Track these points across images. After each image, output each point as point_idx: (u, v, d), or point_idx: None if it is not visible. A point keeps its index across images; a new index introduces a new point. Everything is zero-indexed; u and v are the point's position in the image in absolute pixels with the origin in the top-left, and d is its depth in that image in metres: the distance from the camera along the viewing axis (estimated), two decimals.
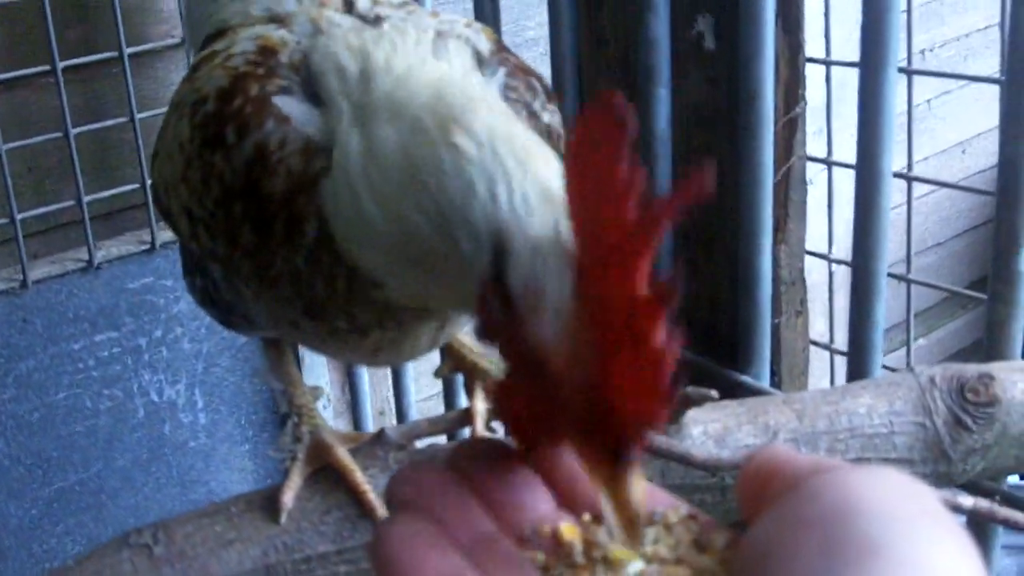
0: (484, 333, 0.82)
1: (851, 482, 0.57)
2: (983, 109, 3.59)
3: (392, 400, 2.46)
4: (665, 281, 0.65)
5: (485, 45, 1.13)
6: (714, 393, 1.28)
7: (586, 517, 0.71)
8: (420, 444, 1.30)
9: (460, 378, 1.45)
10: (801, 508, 0.56)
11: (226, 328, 1.30)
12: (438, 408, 2.51)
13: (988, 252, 1.52)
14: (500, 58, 1.13)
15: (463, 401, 1.97)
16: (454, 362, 1.39)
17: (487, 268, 0.83)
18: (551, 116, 1.15)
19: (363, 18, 1.15)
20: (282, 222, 1.03)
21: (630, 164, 0.66)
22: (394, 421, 2.44)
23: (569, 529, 0.69)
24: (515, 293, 0.77)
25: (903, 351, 2.04)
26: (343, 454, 1.26)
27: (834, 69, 1.84)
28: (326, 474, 1.27)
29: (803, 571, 0.53)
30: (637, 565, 0.67)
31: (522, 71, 1.14)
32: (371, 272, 0.99)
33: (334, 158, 0.99)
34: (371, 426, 2.43)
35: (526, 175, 0.86)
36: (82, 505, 2.10)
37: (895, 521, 0.54)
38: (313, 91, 1.05)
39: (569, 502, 0.72)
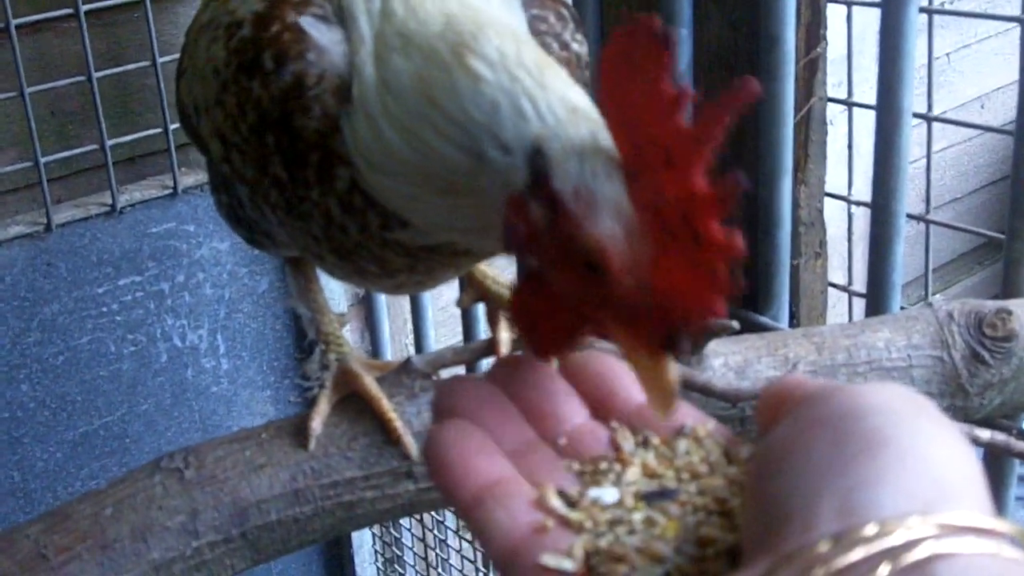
0: (515, 242, 0.84)
1: (857, 389, 0.61)
2: (1002, 63, 3.58)
3: (412, 348, 2.48)
4: (725, 181, 0.70)
5: None
6: (735, 324, 1.30)
7: (615, 425, 0.75)
8: (445, 373, 1.32)
9: (481, 314, 1.47)
10: (813, 411, 0.61)
11: (251, 245, 1.31)
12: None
13: (1006, 206, 1.53)
14: None
15: (482, 332, 1.99)
16: (476, 292, 1.40)
17: (523, 176, 0.84)
18: (580, 46, 1.16)
19: None
20: (315, 162, 1.04)
21: (676, 80, 0.71)
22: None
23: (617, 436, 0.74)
24: (563, 197, 0.79)
25: (921, 305, 2.04)
26: (370, 382, 1.28)
27: (856, 16, 1.84)
28: (353, 401, 1.29)
29: (817, 463, 0.57)
30: (671, 477, 0.71)
31: (551, 0, 1.15)
32: (396, 205, 1.00)
33: (353, 91, 1.00)
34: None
35: (546, 90, 0.87)
36: (106, 449, 2.12)
37: (899, 418, 0.58)
38: (341, 17, 1.06)
39: (601, 411, 0.76)
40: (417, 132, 0.93)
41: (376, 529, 2.61)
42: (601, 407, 0.76)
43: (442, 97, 0.91)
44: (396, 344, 2.50)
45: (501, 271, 1.39)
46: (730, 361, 1.35)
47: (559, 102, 0.86)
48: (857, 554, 0.52)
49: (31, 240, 1.99)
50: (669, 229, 0.72)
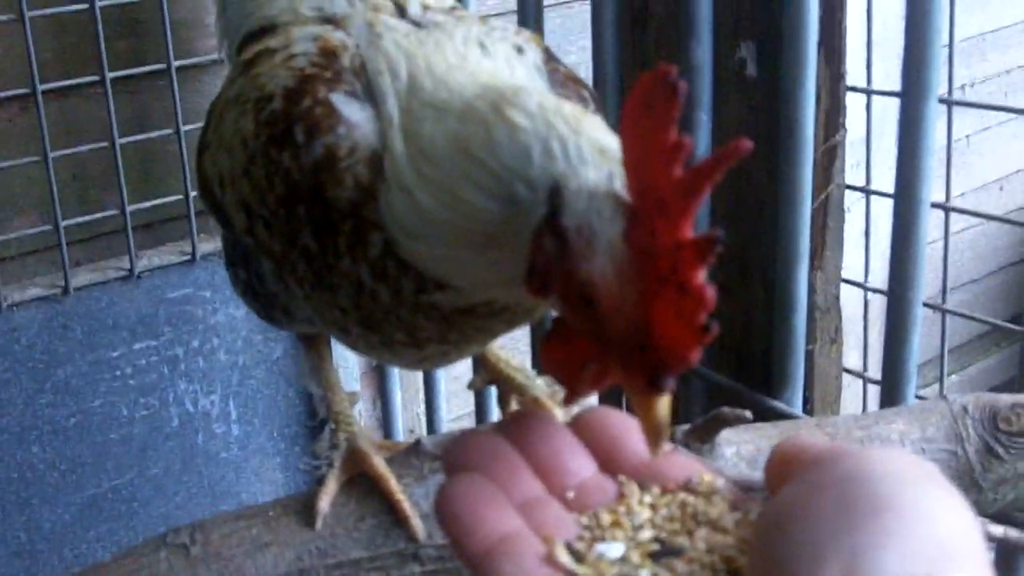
0: (536, 277, 0.88)
1: (864, 454, 0.64)
2: (1022, 146, 3.59)
3: (423, 418, 2.47)
4: (706, 234, 0.75)
5: (534, 52, 1.15)
6: (748, 414, 1.29)
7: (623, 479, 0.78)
8: None
9: (493, 394, 1.46)
10: (821, 473, 0.63)
11: (265, 321, 1.32)
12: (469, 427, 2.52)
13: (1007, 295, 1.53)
14: (550, 67, 1.15)
15: (494, 415, 1.98)
16: (489, 374, 1.40)
17: (543, 213, 0.87)
18: None
19: (416, 23, 1.18)
20: (347, 232, 1.05)
21: (679, 129, 0.75)
22: None
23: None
24: (569, 234, 0.83)
25: (935, 387, 2.03)
26: (378, 462, 1.28)
27: (875, 101, 1.85)
28: (361, 481, 1.28)
29: (824, 525, 0.59)
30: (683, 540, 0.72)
31: (572, 80, 1.16)
32: (435, 269, 1.00)
33: (385, 164, 1.01)
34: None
35: (579, 135, 0.90)
36: (114, 512, 2.11)
37: (903, 483, 0.60)
38: (372, 96, 1.08)
39: (610, 465, 0.79)
40: (452, 190, 0.95)
41: None
42: (609, 461, 0.79)
43: (479, 150, 0.93)
44: (408, 413, 2.50)
45: (514, 355, 1.39)
46: (742, 450, 1.34)
47: (588, 144, 0.90)
48: None
49: (48, 303, 2.00)
50: (658, 275, 0.76)
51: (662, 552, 0.70)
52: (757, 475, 1.33)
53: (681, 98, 0.74)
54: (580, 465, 0.78)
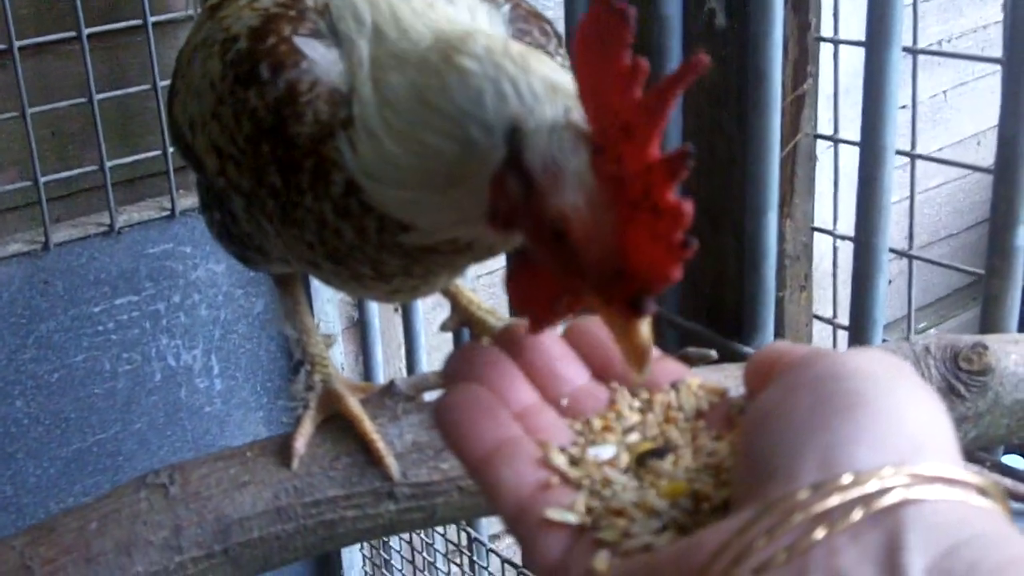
0: (499, 218, 0.89)
1: (839, 355, 0.66)
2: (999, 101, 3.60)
3: (404, 372, 2.50)
4: (676, 150, 0.74)
5: None
6: (713, 353, 1.32)
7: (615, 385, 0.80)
8: (429, 396, 1.34)
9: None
10: (798, 374, 0.65)
11: (241, 263, 1.34)
12: None
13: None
14: (512, 3, 1.17)
15: None
16: (460, 316, 1.43)
17: (503, 155, 0.89)
18: (563, 59, 1.19)
19: None
20: (308, 170, 1.06)
21: (633, 54, 0.74)
22: None
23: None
24: (534, 171, 0.84)
25: (899, 340, 2.06)
26: (353, 403, 1.30)
27: (845, 53, 1.88)
28: (337, 422, 1.31)
29: (800, 422, 0.61)
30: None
31: (534, 16, 1.18)
32: (399, 212, 1.02)
33: (353, 111, 1.03)
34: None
35: (528, 73, 0.92)
36: (99, 466, 2.14)
37: (877, 380, 0.62)
38: (336, 36, 1.09)
39: (602, 373, 0.81)
40: (415, 136, 0.96)
41: (366, 550, 2.63)
42: (602, 369, 0.81)
43: (435, 97, 0.95)
44: (390, 368, 2.53)
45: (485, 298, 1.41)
46: None
47: (540, 82, 0.91)
48: (833, 501, 0.56)
49: (29, 258, 2.02)
50: (630, 200, 0.76)
51: (651, 453, 0.73)
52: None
53: (631, 23, 0.74)
54: (573, 373, 0.80)
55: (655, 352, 0.80)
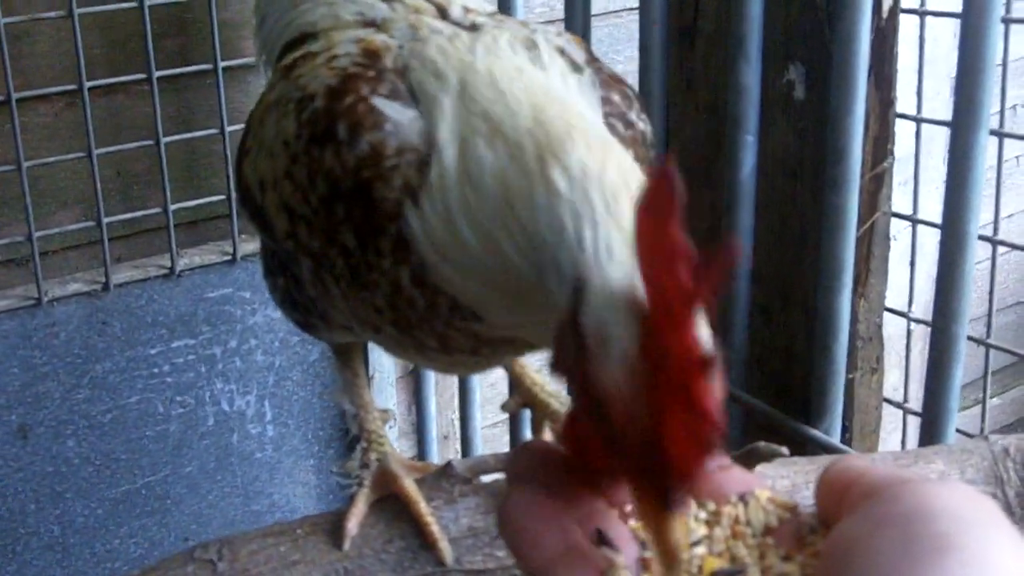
0: (557, 367, 0.84)
1: (927, 489, 0.63)
2: None
3: (457, 424, 2.46)
4: (706, 350, 0.68)
5: (578, 55, 1.15)
6: (784, 450, 1.28)
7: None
8: (486, 479, 1.31)
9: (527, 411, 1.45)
10: (882, 510, 0.63)
11: (303, 330, 1.32)
12: (503, 436, 2.52)
13: None
14: (594, 68, 1.14)
15: (528, 432, 1.97)
16: (523, 397, 1.39)
17: (567, 306, 0.83)
18: (645, 124, 1.16)
19: (458, 24, 1.17)
20: (393, 233, 1.03)
21: (680, 232, 0.68)
22: (458, 446, 2.45)
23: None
24: (587, 335, 0.78)
25: (976, 410, 2.00)
26: (409, 484, 1.27)
27: (923, 128, 1.83)
28: (391, 502, 1.28)
29: (883, 565, 0.60)
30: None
31: (615, 80, 1.15)
32: (466, 300, 1.00)
33: (431, 173, 1.00)
34: (435, 449, 2.43)
35: (611, 220, 0.88)
36: (147, 509, 2.12)
37: (967, 524, 0.60)
38: (416, 98, 1.07)
39: None
40: (492, 233, 0.94)
41: None
42: None
43: (520, 205, 0.93)
44: (442, 418, 2.49)
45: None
46: (778, 485, 1.32)
47: (620, 235, 0.87)
48: None
49: (88, 298, 2.01)
50: (670, 388, 0.70)
51: (723, 572, 0.71)
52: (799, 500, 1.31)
53: (680, 198, 0.68)
54: None
55: (724, 459, 0.76)
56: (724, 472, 0.77)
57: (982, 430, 1.70)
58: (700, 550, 0.73)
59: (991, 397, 3.47)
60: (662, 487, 0.71)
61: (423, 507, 1.25)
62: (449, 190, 0.98)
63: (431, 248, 0.99)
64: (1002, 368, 3.63)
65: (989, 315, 1.67)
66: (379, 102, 1.06)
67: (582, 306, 0.80)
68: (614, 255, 0.86)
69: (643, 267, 0.72)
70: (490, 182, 0.95)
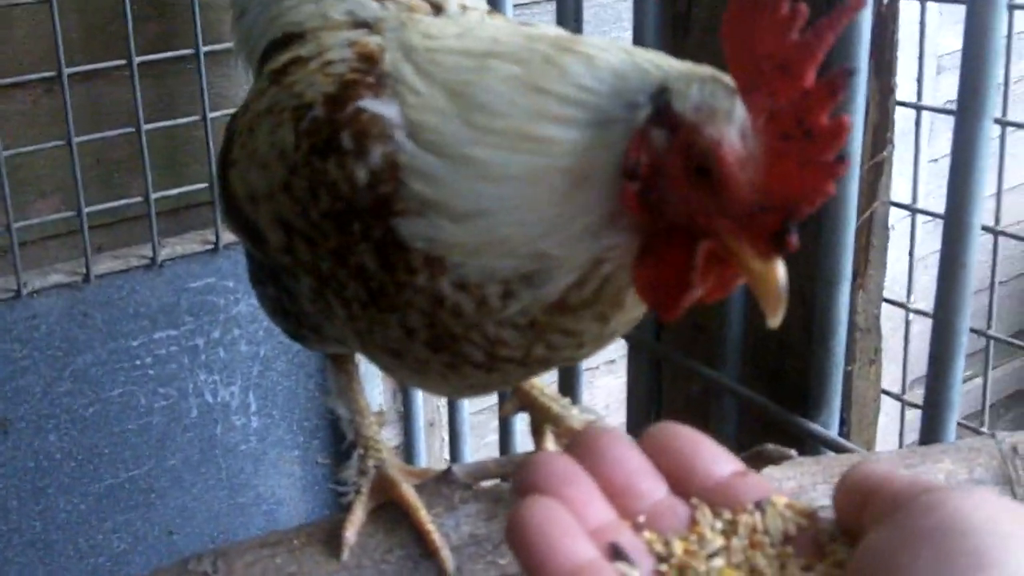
0: (639, 174, 0.91)
1: (959, 500, 0.62)
2: None
3: (444, 411, 2.43)
4: (835, 72, 0.84)
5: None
6: (793, 452, 1.25)
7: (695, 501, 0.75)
8: (487, 484, 1.27)
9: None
10: (914, 523, 0.61)
11: (292, 339, 1.28)
12: (490, 422, 2.49)
13: None
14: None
15: (519, 427, 1.94)
16: (521, 400, 1.35)
17: (646, 114, 0.92)
18: None
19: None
20: (421, 248, 1.00)
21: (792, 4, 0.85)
22: (445, 435, 2.42)
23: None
24: (685, 114, 0.89)
25: (969, 388, 1.97)
26: (408, 491, 1.24)
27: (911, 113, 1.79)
28: (390, 510, 1.24)
29: None
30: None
31: None
32: (506, 247, 0.97)
33: (421, 139, 0.99)
34: (422, 437, 2.40)
35: (660, 58, 0.96)
36: (131, 503, 2.09)
37: (1004, 538, 0.58)
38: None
39: (681, 487, 0.76)
40: (524, 132, 0.94)
41: None
42: (680, 481, 0.76)
43: (552, 83, 0.95)
44: (428, 406, 2.46)
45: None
46: (784, 487, 1.30)
47: (675, 64, 0.96)
48: None
49: (69, 290, 1.96)
50: (782, 131, 0.85)
51: None
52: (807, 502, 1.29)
53: None
54: (651, 487, 0.76)
55: (739, 466, 0.76)
56: (740, 478, 0.75)
57: (982, 423, 1.67)
58: (718, 562, 0.71)
59: (972, 378, 3.47)
60: (774, 227, 0.86)
61: (423, 514, 1.22)
62: (449, 138, 0.97)
63: (449, 219, 0.97)
64: (975, 352, 3.61)
65: (990, 306, 1.65)
66: (383, 109, 1.02)
67: (671, 101, 0.90)
68: (677, 67, 0.94)
69: (742, 44, 0.86)
70: (503, 90, 0.96)
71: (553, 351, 1.04)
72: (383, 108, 1.02)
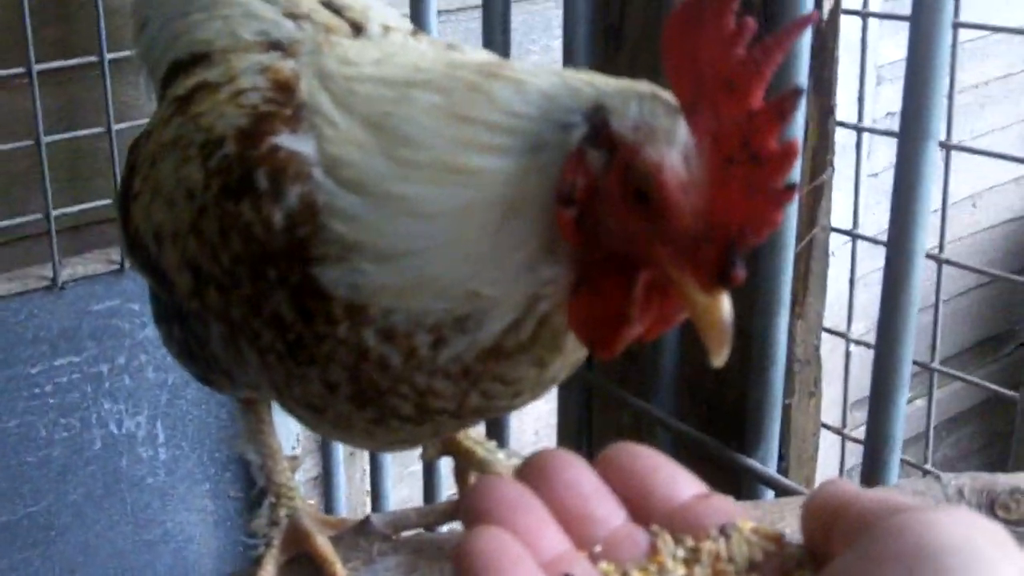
0: (575, 198, 0.86)
1: (929, 520, 0.59)
2: (995, 163, 3.50)
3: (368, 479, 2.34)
4: (785, 92, 0.79)
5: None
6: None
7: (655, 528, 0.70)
8: (407, 535, 1.19)
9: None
10: (884, 545, 0.59)
11: (202, 384, 1.18)
12: (412, 452, 2.40)
13: (992, 312, 1.44)
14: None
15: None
16: (444, 445, 1.27)
17: (581, 133, 0.86)
18: None
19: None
20: (343, 296, 0.92)
21: (738, 17, 0.81)
22: (366, 464, 2.32)
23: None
24: (623, 134, 0.84)
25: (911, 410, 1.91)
26: (323, 543, 1.16)
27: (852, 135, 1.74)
28: (303, 564, 1.16)
29: None
30: None
31: None
32: (435, 284, 0.90)
33: (341, 175, 0.92)
34: (342, 470, 2.30)
35: (593, 76, 0.91)
36: (29, 540, 1.97)
37: (978, 559, 0.56)
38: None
39: (640, 512, 0.71)
40: (449, 163, 0.88)
41: None
42: (638, 506, 0.71)
43: (479, 111, 0.89)
44: (352, 468, 2.36)
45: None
46: None
47: (610, 82, 0.90)
48: None
49: None
50: (727, 155, 0.80)
51: None
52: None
53: None
54: (607, 512, 0.70)
55: (701, 487, 0.70)
56: (702, 501, 0.70)
57: (925, 458, 1.62)
58: None
59: (908, 402, 3.45)
60: (718, 259, 0.81)
61: (338, 569, 1.14)
62: (371, 174, 0.90)
63: (373, 262, 0.90)
64: (948, 357, 3.59)
65: (933, 337, 1.59)
66: (300, 145, 0.94)
67: (608, 120, 0.85)
68: (612, 84, 0.89)
69: (685, 60, 0.82)
70: (427, 120, 0.90)
71: (488, 400, 0.97)
72: (300, 144, 0.95)
